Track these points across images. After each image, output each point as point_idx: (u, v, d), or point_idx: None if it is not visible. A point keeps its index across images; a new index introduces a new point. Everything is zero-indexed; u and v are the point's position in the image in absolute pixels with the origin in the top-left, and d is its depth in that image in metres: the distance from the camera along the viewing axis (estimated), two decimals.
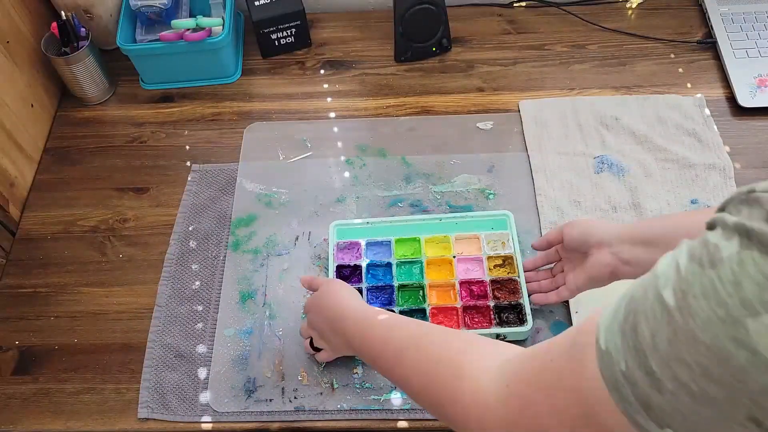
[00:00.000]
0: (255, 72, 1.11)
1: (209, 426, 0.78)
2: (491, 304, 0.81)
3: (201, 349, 0.83)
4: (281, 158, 0.99)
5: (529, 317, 0.79)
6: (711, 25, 1.08)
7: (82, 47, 1.01)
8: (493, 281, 0.83)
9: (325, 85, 1.08)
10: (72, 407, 0.81)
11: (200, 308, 0.86)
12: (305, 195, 0.95)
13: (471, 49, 1.11)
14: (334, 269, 0.85)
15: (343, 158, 0.99)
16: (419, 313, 0.81)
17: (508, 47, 1.10)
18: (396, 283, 0.84)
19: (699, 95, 1.01)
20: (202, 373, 0.81)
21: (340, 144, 1.00)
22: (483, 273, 0.84)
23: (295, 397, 0.79)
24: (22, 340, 0.86)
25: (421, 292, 0.83)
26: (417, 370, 0.54)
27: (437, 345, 0.55)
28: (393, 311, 0.80)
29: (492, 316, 0.80)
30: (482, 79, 1.07)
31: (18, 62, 0.98)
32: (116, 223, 0.95)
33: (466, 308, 0.81)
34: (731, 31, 1.06)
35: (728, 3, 1.09)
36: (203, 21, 1.02)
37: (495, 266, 0.85)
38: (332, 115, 1.04)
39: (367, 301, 0.82)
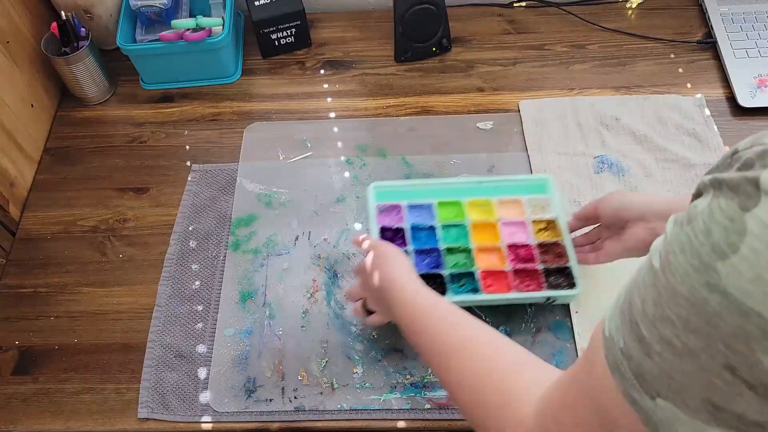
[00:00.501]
0: (255, 72, 1.11)
1: (209, 426, 0.78)
2: (540, 267, 0.81)
3: (201, 349, 0.83)
4: (281, 158, 0.99)
5: (579, 281, 0.79)
6: (711, 25, 1.08)
7: (82, 47, 1.01)
8: (539, 245, 0.83)
9: (325, 85, 1.08)
10: (72, 407, 0.81)
11: (200, 308, 0.86)
12: (305, 195, 0.95)
13: (471, 49, 1.11)
14: (378, 231, 0.84)
15: (343, 158, 0.99)
16: (468, 276, 0.80)
17: (508, 47, 1.10)
18: (442, 247, 0.83)
19: (699, 95, 1.01)
20: (202, 373, 0.81)
21: (340, 144, 1.00)
22: (528, 237, 0.84)
23: (295, 397, 0.79)
24: (22, 340, 0.86)
25: (468, 255, 0.82)
26: (463, 385, 0.54)
27: (486, 361, 0.54)
28: (442, 275, 0.80)
29: (542, 280, 0.80)
30: (482, 79, 1.07)
31: (18, 62, 0.98)
32: (116, 223, 0.95)
33: (515, 272, 0.81)
34: (731, 31, 1.06)
35: (728, 3, 1.09)
36: (203, 21, 1.02)
37: (539, 230, 0.85)
38: (332, 115, 1.04)
39: (415, 264, 0.81)
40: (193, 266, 0.90)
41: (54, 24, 1.00)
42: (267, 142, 1.01)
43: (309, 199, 0.95)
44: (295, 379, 0.80)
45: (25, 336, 0.86)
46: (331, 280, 0.87)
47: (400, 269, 0.68)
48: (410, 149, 0.99)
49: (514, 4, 1.15)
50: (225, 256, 0.90)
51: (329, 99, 1.06)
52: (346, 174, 0.97)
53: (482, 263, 0.82)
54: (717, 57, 1.06)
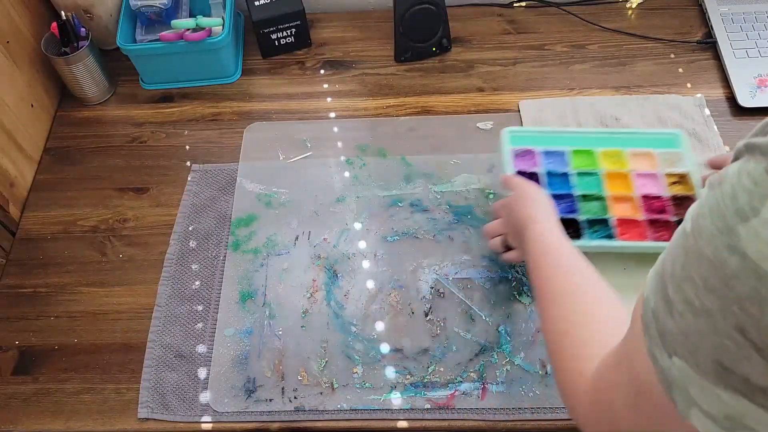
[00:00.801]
0: (255, 72, 1.11)
1: (209, 426, 0.78)
2: (673, 219, 0.82)
3: (201, 349, 0.83)
4: (281, 158, 0.99)
5: None
6: (711, 25, 1.08)
7: (82, 47, 1.01)
8: (672, 198, 0.84)
9: (325, 85, 1.08)
10: (72, 407, 0.81)
11: (200, 308, 0.86)
12: (305, 195, 0.95)
13: (471, 49, 1.11)
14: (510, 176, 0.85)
15: (343, 158, 0.99)
16: (601, 223, 0.82)
17: (508, 47, 1.10)
18: (577, 193, 0.85)
19: (699, 95, 1.01)
20: (202, 373, 0.81)
21: (340, 144, 1.00)
22: (660, 189, 0.85)
23: (295, 397, 0.79)
24: (22, 340, 0.86)
25: (602, 203, 0.84)
26: (554, 328, 0.57)
27: (581, 313, 0.56)
28: (577, 220, 0.82)
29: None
30: (482, 79, 1.07)
31: (18, 62, 0.98)
32: (116, 223, 0.95)
33: (649, 222, 0.82)
34: (731, 31, 1.06)
35: (728, 3, 1.09)
36: (203, 21, 1.02)
37: (672, 183, 0.86)
38: (332, 115, 1.04)
39: None
40: (193, 266, 0.90)
41: (54, 24, 1.00)
42: (267, 142, 1.01)
43: (309, 199, 0.95)
44: (295, 379, 0.80)
45: (25, 336, 0.86)
46: (331, 280, 0.87)
47: (540, 209, 0.71)
48: (410, 149, 0.99)
49: (514, 4, 1.15)
50: (225, 256, 0.90)
51: (329, 99, 1.06)
52: (346, 174, 0.97)
53: (616, 211, 0.83)
54: (717, 57, 1.06)
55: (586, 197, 0.85)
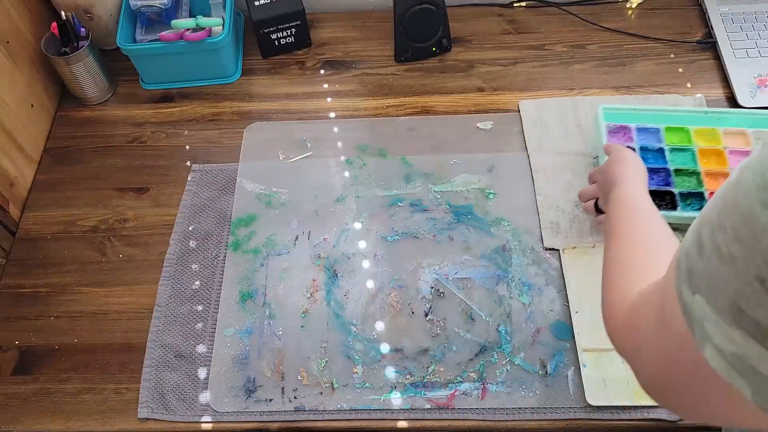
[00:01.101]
0: (255, 72, 1.11)
1: (209, 426, 0.78)
2: None
3: (201, 349, 0.83)
4: (281, 158, 0.99)
5: None
6: (711, 25, 1.08)
7: (82, 47, 1.01)
8: None
9: (325, 85, 1.08)
10: (72, 407, 0.81)
11: (200, 308, 0.86)
12: (305, 195, 0.95)
13: (471, 49, 1.11)
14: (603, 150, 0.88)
15: (343, 158, 0.99)
16: (695, 196, 0.87)
17: (508, 47, 1.10)
18: (671, 167, 0.89)
19: (699, 95, 1.01)
20: (202, 373, 0.81)
21: (340, 144, 1.00)
22: None
23: (295, 397, 0.79)
24: (22, 340, 0.86)
25: (697, 177, 0.88)
26: (612, 258, 0.60)
27: (640, 252, 0.59)
28: (672, 192, 0.87)
29: None
30: (482, 79, 1.07)
31: (18, 62, 0.98)
32: (116, 223, 0.95)
33: None
34: (731, 31, 1.06)
35: (728, 3, 1.09)
36: (203, 21, 1.02)
37: None
38: (332, 115, 1.04)
39: None
40: (193, 266, 0.90)
41: (54, 24, 1.00)
42: (267, 142, 1.01)
43: (309, 199, 0.95)
44: (295, 379, 0.80)
45: (25, 336, 0.86)
46: (331, 280, 0.87)
47: (631, 171, 0.73)
48: (410, 149, 0.99)
49: (514, 4, 1.15)
50: (225, 256, 0.90)
51: (329, 99, 1.06)
52: (346, 174, 0.97)
53: (711, 186, 0.87)
54: (717, 57, 1.06)
55: (680, 171, 0.89)
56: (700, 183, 0.88)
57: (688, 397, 0.41)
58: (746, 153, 0.90)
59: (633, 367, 0.48)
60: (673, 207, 0.86)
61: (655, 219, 0.64)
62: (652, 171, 0.88)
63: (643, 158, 0.89)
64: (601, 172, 0.79)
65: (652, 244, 0.60)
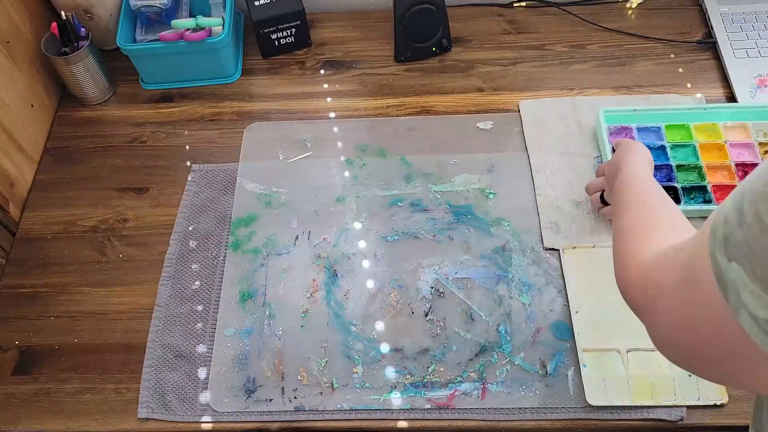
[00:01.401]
0: (255, 72, 1.11)
1: (209, 426, 0.78)
2: None
3: (201, 349, 0.83)
4: (281, 158, 0.99)
5: None
6: (711, 25, 1.08)
7: (82, 47, 1.01)
8: None
9: (325, 85, 1.08)
10: (72, 407, 0.81)
11: (200, 308, 0.86)
12: (305, 195, 0.95)
13: (471, 49, 1.11)
14: (611, 150, 0.91)
15: (343, 158, 0.99)
16: (698, 190, 0.89)
17: (508, 47, 1.10)
18: (673, 163, 0.91)
19: (699, 95, 1.01)
20: (202, 373, 0.81)
21: (340, 144, 1.00)
22: (756, 157, 0.90)
23: (295, 397, 0.79)
24: (22, 340, 0.86)
25: (699, 172, 0.90)
26: (621, 225, 0.63)
27: (650, 217, 0.61)
28: (675, 187, 0.89)
29: None
30: (482, 79, 1.07)
31: (18, 62, 0.98)
32: (116, 223, 0.95)
33: None
34: (731, 31, 1.06)
35: (728, 3, 1.09)
36: (203, 21, 1.02)
37: (767, 152, 0.91)
38: (332, 115, 1.04)
39: None
40: (193, 266, 0.90)
41: (54, 24, 1.00)
42: (267, 142, 1.01)
43: (309, 199, 0.95)
44: (295, 379, 0.80)
45: (25, 336, 0.86)
46: (331, 280, 0.87)
47: (637, 157, 0.75)
48: (410, 149, 0.99)
49: (514, 4, 1.15)
50: (225, 256, 0.90)
51: (329, 99, 1.06)
52: (346, 174, 0.97)
53: (713, 179, 0.89)
54: (717, 57, 1.06)
55: (681, 167, 0.91)
56: (702, 177, 0.90)
57: (707, 357, 0.42)
58: (748, 145, 0.92)
59: (645, 320, 0.50)
60: (677, 202, 0.87)
61: (661, 192, 0.67)
62: (654, 168, 0.89)
63: None
64: (610, 163, 0.81)
65: (662, 211, 0.63)
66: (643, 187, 0.68)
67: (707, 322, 0.40)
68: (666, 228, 0.59)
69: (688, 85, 1.03)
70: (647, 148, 0.78)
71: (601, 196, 0.86)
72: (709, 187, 0.88)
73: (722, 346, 0.40)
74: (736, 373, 0.42)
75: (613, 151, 0.88)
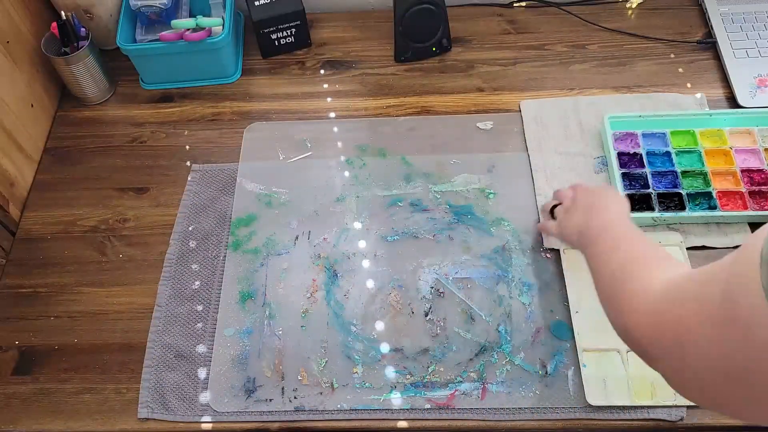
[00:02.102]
0: (255, 72, 1.11)
1: (209, 426, 0.78)
2: None
3: (201, 349, 0.83)
4: (281, 158, 0.99)
5: None
6: (711, 25, 1.08)
7: (82, 47, 1.01)
8: None
9: (325, 85, 1.08)
10: (72, 407, 0.81)
11: (200, 308, 0.86)
12: (305, 195, 0.95)
13: (471, 49, 1.11)
14: (615, 156, 0.92)
15: (343, 158, 0.99)
16: (703, 196, 0.88)
17: (508, 47, 1.10)
18: (678, 169, 0.91)
19: (699, 95, 1.01)
20: (202, 373, 0.81)
21: (340, 144, 1.00)
22: (762, 163, 0.90)
23: (295, 397, 0.79)
24: (22, 340, 0.86)
25: (704, 178, 0.90)
26: (614, 268, 0.60)
27: (629, 254, 0.60)
28: (680, 193, 0.88)
29: None
30: (482, 79, 1.07)
31: (18, 62, 0.98)
32: (116, 223, 0.95)
33: (750, 193, 0.88)
34: (731, 31, 1.06)
35: (728, 3, 1.09)
36: (203, 21, 1.02)
37: None
38: (332, 115, 1.04)
39: (652, 184, 0.90)
40: (193, 266, 0.90)
41: (54, 24, 1.00)
42: (267, 142, 1.01)
43: (309, 199, 0.95)
44: (295, 379, 0.80)
45: (25, 336, 0.86)
46: (331, 280, 0.87)
47: (617, 207, 0.72)
48: (410, 149, 0.99)
49: (514, 4, 1.15)
50: (225, 256, 0.90)
51: (329, 99, 1.06)
52: (346, 174, 0.97)
53: (718, 185, 0.89)
54: (717, 57, 1.06)
55: (686, 173, 0.91)
56: (707, 183, 0.89)
57: (753, 397, 0.38)
58: (754, 151, 0.92)
59: (669, 365, 0.45)
60: (682, 208, 0.87)
61: (644, 235, 0.65)
62: (660, 174, 0.91)
63: (651, 162, 0.92)
64: (582, 187, 0.79)
65: (656, 248, 0.60)
66: (626, 230, 0.66)
67: (760, 367, 0.36)
68: (667, 264, 0.55)
69: (688, 85, 1.03)
70: (625, 198, 0.76)
71: (553, 208, 0.83)
72: (714, 194, 0.88)
73: None
74: None
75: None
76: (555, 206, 0.83)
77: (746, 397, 0.39)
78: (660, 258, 0.57)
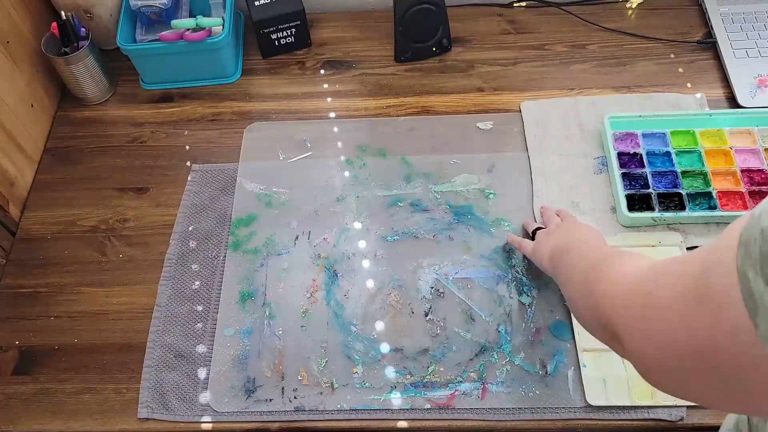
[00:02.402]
0: (255, 72, 1.11)
1: (209, 426, 0.78)
2: None
3: (201, 349, 0.83)
4: (281, 158, 0.99)
5: None
6: (711, 25, 1.08)
7: (82, 47, 1.01)
8: None
9: (325, 85, 1.08)
10: (72, 407, 0.81)
11: (200, 308, 0.86)
12: (305, 195, 0.95)
13: (471, 49, 1.11)
14: (615, 156, 0.92)
15: (343, 158, 0.99)
16: (703, 196, 0.88)
17: (508, 47, 1.10)
18: (678, 169, 0.91)
19: (699, 95, 1.01)
20: (202, 373, 0.81)
21: (340, 144, 1.00)
22: (762, 163, 0.91)
23: (295, 397, 0.79)
24: (22, 340, 0.86)
25: (704, 178, 0.90)
26: (572, 276, 0.61)
27: (604, 255, 0.59)
28: (680, 193, 0.89)
29: None
30: (482, 79, 1.07)
31: (18, 62, 0.98)
32: (116, 223, 0.95)
33: (750, 193, 0.88)
34: (731, 31, 1.06)
35: (728, 3, 1.09)
36: (203, 21, 1.02)
37: None
38: (332, 115, 1.04)
39: (652, 184, 0.90)
40: (193, 266, 0.90)
41: (54, 24, 1.00)
42: (267, 142, 1.01)
43: (309, 199, 0.95)
44: (295, 379, 0.80)
45: (25, 336, 0.86)
46: (331, 279, 0.87)
47: (595, 234, 0.73)
48: (410, 149, 0.99)
49: (514, 4, 1.15)
50: (225, 256, 0.90)
51: (329, 99, 1.06)
52: (346, 174, 0.97)
53: (718, 185, 0.89)
54: (717, 57, 1.06)
55: (686, 173, 0.91)
56: (707, 183, 0.89)
57: (715, 381, 0.38)
58: (754, 151, 0.92)
59: (635, 342, 0.44)
60: (682, 208, 0.87)
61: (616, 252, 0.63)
62: (660, 174, 0.91)
63: (651, 162, 0.92)
64: (564, 212, 0.82)
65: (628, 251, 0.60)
66: (601, 245, 0.67)
67: (725, 347, 0.35)
68: (646, 257, 0.54)
69: (688, 85, 1.03)
70: (599, 231, 0.76)
71: (536, 230, 0.84)
72: (714, 193, 0.88)
73: (741, 372, 0.35)
74: (755, 403, 0.37)
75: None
76: (538, 229, 0.83)
77: (709, 380, 0.38)
78: (640, 255, 0.56)
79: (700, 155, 0.92)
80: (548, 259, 0.74)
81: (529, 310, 0.83)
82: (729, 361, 0.36)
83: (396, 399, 0.78)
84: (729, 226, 0.37)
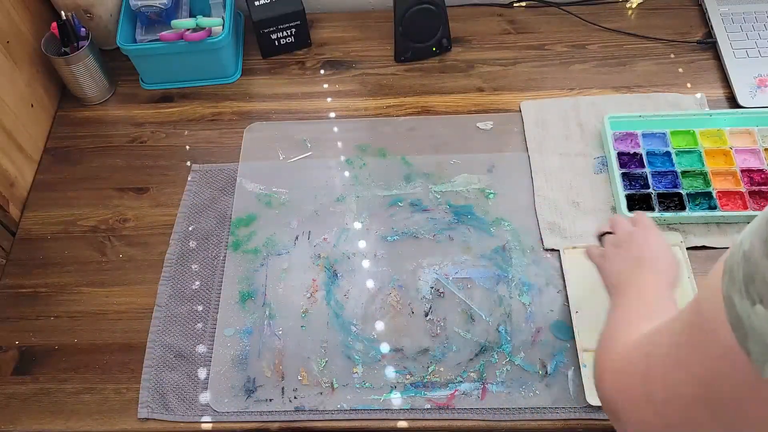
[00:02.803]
0: (255, 72, 1.11)
1: (209, 426, 0.78)
2: None
3: (201, 349, 0.83)
4: (281, 158, 0.99)
5: None
6: (711, 25, 1.08)
7: (82, 47, 1.01)
8: None
9: (325, 85, 1.08)
10: (72, 407, 0.81)
11: (200, 308, 0.86)
12: (305, 195, 0.95)
13: (471, 49, 1.11)
14: (615, 156, 0.92)
15: (343, 158, 0.99)
16: (703, 196, 0.88)
17: (508, 47, 1.10)
18: (678, 169, 0.91)
19: (699, 95, 1.01)
20: (202, 373, 0.81)
21: (340, 144, 1.00)
22: (762, 163, 0.91)
23: (295, 397, 0.79)
24: (22, 340, 0.86)
25: (704, 178, 0.90)
26: (605, 327, 0.59)
27: (634, 316, 0.57)
28: (680, 193, 0.89)
29: None
30: (482, 79, 1.07)
31: (18, 62, 0.98)
32: (116, 223, 0.95)
33: (750, 193, 0.88)
34: (731, 31, 1.06)
35: (728, 3, 1.09)
36: (203, 21, 1.02)
37: None
38: (332, 115, 1.04)
39: (652, 184, 0.90)
40: (193, 266, 0.90)
41: (54, 24, 1.00)
42: (267, 142, 1.01)
43: (309, 199, 0.95)
44: (295, 379, 0.80)
45: (25, 336, 0.86)
46: (331, 279, 0.87)
47: (665, 269, 0.66)
48: (410, 149, 0.99)
49: (514, 4, 1.15)
50: (225, 256, 0.90)
51: (329, 99, 1.06)
52: (346, 174, 0.97)
53: (718, 185, 0.89)
54: (717, 57, 1.06)
55: (686, 173, 0.91)
56: (707, 183, 0.90)
57: (722, 415, 0.37)
58: (754, 151, 0.92)
59: (640, 416, 0.43)
60: (682, 208, 0.87)
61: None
62: (660, 174, 0.91)
63: (651, 162, 0.92)
64: (644, 222, 0.73)
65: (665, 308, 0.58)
66: (655, 300, 0.61)
67: (726, 385, 0.35)
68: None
69: (688, 85, 1.03)
70: (677, 262, 0.69)
71: (605, 233, 0.78)
72: (714, 194, 0.88)
73: (739, 403, 0.35)
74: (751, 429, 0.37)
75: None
76: (606, 233, 0.77)
77: (712, 414, 0.37)
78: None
79: (700, 155, 0.92)
80: (611, 286, 0.69)
81: (529, 310, 0.83)
82: (729, 394, 0.35)
83: (396, 399, 0.78)
84: (714, 266, 0.37)
